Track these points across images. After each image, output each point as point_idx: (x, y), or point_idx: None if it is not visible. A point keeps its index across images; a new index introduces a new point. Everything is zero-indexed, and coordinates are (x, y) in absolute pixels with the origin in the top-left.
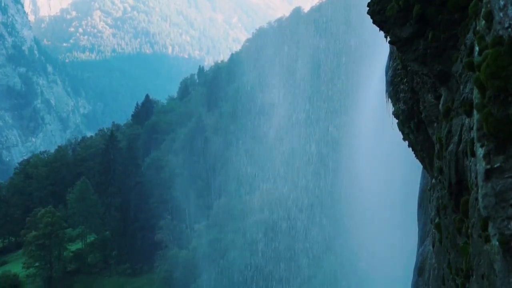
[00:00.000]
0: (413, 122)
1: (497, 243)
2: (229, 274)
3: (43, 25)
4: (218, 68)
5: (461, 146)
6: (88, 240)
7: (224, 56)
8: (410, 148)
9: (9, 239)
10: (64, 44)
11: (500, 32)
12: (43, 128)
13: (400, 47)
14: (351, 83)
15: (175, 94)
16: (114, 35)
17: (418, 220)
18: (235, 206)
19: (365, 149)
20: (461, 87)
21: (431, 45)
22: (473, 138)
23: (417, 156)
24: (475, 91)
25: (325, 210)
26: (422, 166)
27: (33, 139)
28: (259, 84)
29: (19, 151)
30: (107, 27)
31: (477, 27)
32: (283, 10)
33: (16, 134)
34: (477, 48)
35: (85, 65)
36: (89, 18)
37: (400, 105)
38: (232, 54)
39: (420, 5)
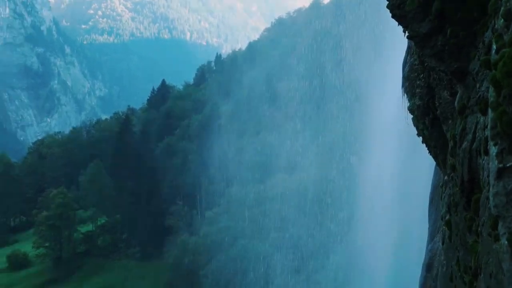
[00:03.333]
0: (428, 118)
1: (506, 242)
2: (238, 262)
3: (62, 6)
4: (235, 56)
5: (474, 144)
6: (99, 223)
7: (242, 45)
8: (424, 144)
9: (20, 218)
10: (83, 26)
11: None
12: (59, 109)
13: (418, 42)
14: (368, 76)
15: (191, 80)
16: (133, 19)
17: (429, 216)
18: (247, 194)
19: (378, 143)
20: (478, 85)
21: (449, 42)
22: (487, 137)
23: (430, 152)
24: (491, 90)
25: (337, 202)
26: (435, 163)
27: (48, 120)
28: (276, 73)
29: (34, 131)
30: (126, 10)
31: (496, 26)
32: (302, 1)
33: (31, 114)
34: (494, 47)
35: (103, 48)
36: (108, 1)
37: (415, 100)
38: (250, 43)
39: (439, 1)
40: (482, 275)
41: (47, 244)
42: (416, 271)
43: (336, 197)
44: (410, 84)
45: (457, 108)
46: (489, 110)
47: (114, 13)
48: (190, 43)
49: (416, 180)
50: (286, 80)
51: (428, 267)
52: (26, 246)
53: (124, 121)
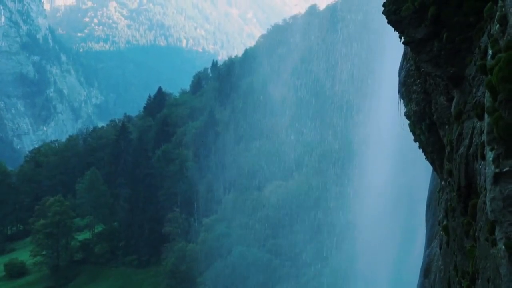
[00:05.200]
0: (425, 124)
1: (503, 247)
2: (235, 269)
3: (58, 14)
4: (231, 63)
5: (471, 149)
6: (96, 230)
7: (238, 51)
8: (421, 150)
9: (17, 227)
10: (79, 34)
11: None
12: (55, 117)
13: (414, 48)
14: (364, 82)
15: (188, 88)
16: (129, 26)
17: (426, 221)
18: (244, 201)
19: (375, 149)
20: (474, 90)
21: (445, 47)
22: (483, 142)
23: (427, 157)
24: (487, 94)
25: (334, 208)
26: (432, 168)
27: (45, 128)
28: (272, 80)
29: (30, 139)
30: (122, 18)
31: (491, 31)
32: (298, 8)
33: (27, 122)
34: (490, 52)
35: (99, 55)
36: (104, 8)
37: (412, 106)
38: (246, 50)
39: (436, 6)
40: (479, 280)
41: (44, 252)
42: (414, 277)
43: (334, 204)
44: (406, 89)
45: (454, 113)
46: (486, 115)
47: (110, 21)
48: (186, 50)
49: (413, 186)
50: (283, 87)
51: (426, 272)
52: (23, 255)
53: (120, 129)
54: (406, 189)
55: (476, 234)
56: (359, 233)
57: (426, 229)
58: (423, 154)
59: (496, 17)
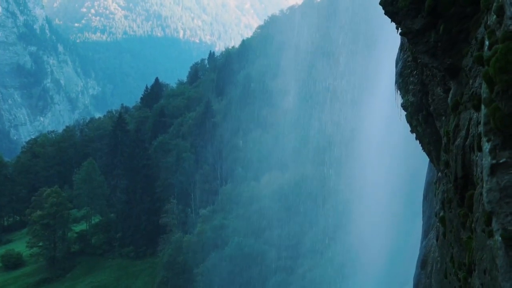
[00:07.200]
0: (422, 115)
1: (500, 238)
2: (232, 261)
3: (55, 5)
4: (228, 54)
5: (468, 140)
6: (93, 222)
7: (235, 42)
8: (418, 141)
9: (14, 218)
10: (76, 24)
11: (511, 27)
12: (52, 108)
13: (411, 39)
14: (361, 73)
15: (184, 78)
16: (126, 17)
17: (423, 213)
18: (240, 192)
19: (372, 140)
20: (471, 81)
21: (442, 38)
22: (480, 133)
23: (424, 149)
24: (484, 86)
25: (330, 199)
26: (428, 159)
27: (42, 119)
28: (269, 71)
29: (27, 130)
30: (119, 8)
31: (488, 22)
32: None
33: (24, 113)
34: (487, 43)
35: (96, 46)
36: None
37: (409, 97)
38: (243, 40)
39: None
40: (476, 272)
41: (41, 244)
42: (410, 268)
43: (330, 195)
44: (403, 80)
45: (451, 104)
46: (482, 106)
47: (107, 11)
48: (183, 41)
49: (410, 177)
50: (280, 77)
51: (423, 264)
52: (20, 246)
53: (117, 120)
54: (402, 181)
55: (473, 225)
56: (355, 224)
57: (423, 220)
58: (420, 145)
59: (493, 8)
